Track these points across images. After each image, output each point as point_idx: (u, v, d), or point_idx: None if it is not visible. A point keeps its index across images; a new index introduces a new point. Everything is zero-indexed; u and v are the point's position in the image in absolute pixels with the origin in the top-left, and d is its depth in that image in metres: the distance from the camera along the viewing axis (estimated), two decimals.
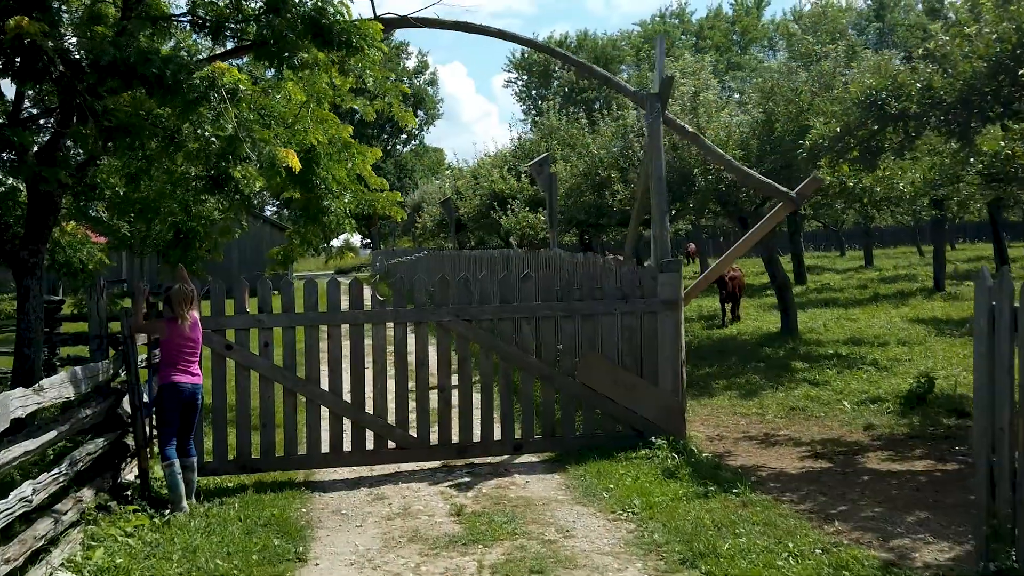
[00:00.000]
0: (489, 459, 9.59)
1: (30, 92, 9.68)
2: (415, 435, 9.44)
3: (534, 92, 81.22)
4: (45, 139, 9.51)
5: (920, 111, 9.36)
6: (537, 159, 18.15)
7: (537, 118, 48.21)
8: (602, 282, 10.10)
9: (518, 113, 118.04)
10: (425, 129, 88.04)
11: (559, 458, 9.50)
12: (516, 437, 9.70)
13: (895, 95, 9.50)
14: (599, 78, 11.64)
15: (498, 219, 28.29)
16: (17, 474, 7.21)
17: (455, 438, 9.50)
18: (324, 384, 9.28)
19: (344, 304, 9.52)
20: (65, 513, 6.69)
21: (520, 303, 9.68)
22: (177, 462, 7.90)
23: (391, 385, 9.47)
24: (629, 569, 6.48)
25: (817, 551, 6.52)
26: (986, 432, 5.93)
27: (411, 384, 9.57)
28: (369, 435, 9.37)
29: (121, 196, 11.16)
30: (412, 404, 9.54)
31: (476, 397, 9.75)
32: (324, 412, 9.28)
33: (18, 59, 7.90)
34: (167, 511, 7.72)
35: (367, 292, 9.54)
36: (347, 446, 9.36)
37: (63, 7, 9.09)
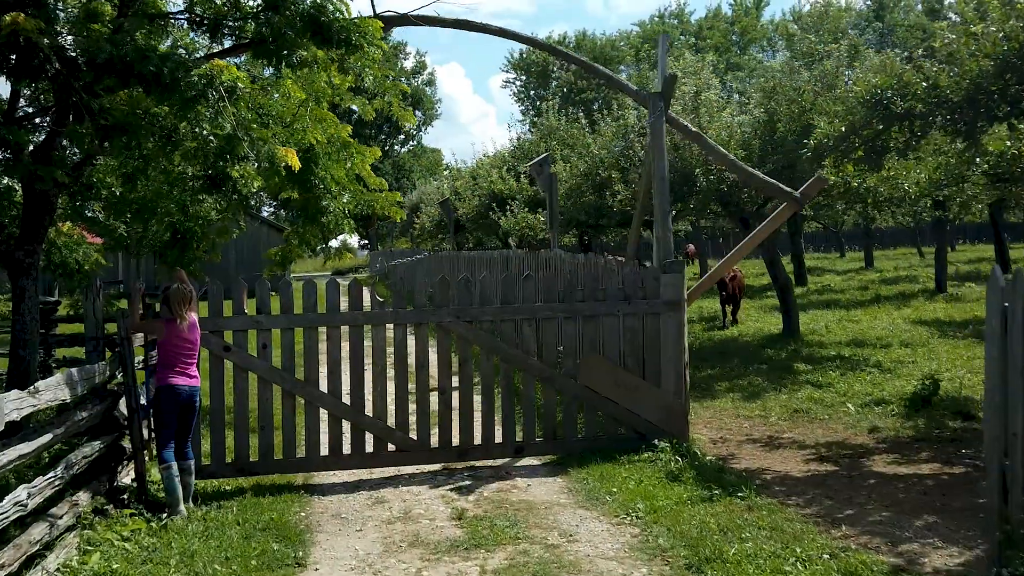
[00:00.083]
0: (490, 462, 9.49)
1: (26, 90, 9.56)
2: (415, 438, 9.33)
3: (532, 92, 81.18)
4: (41, 138, 9.40)
5: (926, 110, 9.27)
6: (537, 159, 18.06)
7: (536, 118, 48.17)
8: (604, 283, 10.00)
9: (516, 114, 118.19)
10: (423, 130, 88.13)
11: (561, 461, 9.39)
12: (517, 440, 9.59)
13: (901, 94, 9.41)
14: (602, 77, 11.54)
15: (497, 220, 28.18)
16: (12, 477, 7.13)
17: (456, 441, 9.40)
18: (323, 386, 9.18)
19: (343, 305, 9.42)
20: (61, 517, 6.59)
21: (521, 304, 9.58)
22: (174, 465, 7.79)
23: (391, 387, 9.37)
24: (634, 575, 6.38)
25: (825, 556, 6.41)
26: (998, 436, 5.83)
27: (411, 386, 9.46)
28: (369, 438, 9.26)
29: (118, 196, 11.06)
30: (412, 406, 9.44)
31: (477, 399, 9.64)
32: (323, 414, 9.18)
33: (13, 56, 7.79)
34: (164, 515, 7.62)
35: (366, 293, 9.45)
36: (346, 449, 9.26)
37: (59, 4, 8.99)
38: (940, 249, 24.89)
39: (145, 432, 8.35)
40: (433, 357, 9.72)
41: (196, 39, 10.02)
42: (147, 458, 8.36)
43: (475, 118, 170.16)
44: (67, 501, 6.87)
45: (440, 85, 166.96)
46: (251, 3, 8.90)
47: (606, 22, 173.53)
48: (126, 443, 8.23)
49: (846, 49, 15.94)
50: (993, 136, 9.84)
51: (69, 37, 8.57)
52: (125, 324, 8.18)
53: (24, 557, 5.87)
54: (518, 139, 38.64)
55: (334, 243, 15.98)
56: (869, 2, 62.47)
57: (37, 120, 10.01)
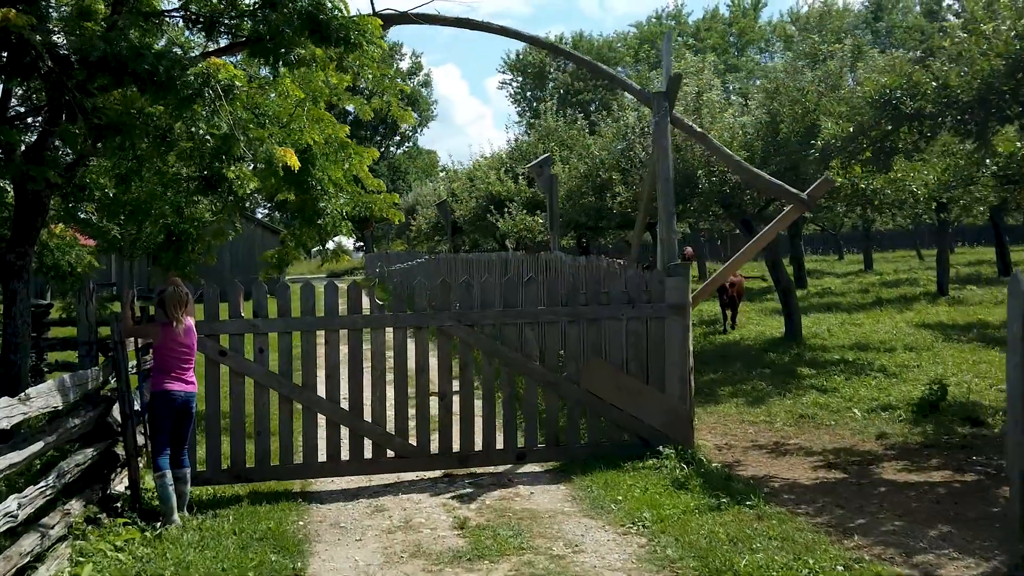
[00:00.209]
0: (491, 468, 9.30)
1: (17, 89, 9.40)
2: (415, 443, 9.15)
3: (529, 94, 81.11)
4: (33, 138, 9.24)
5: (936, 110, 9.10)
6: (537, 160, 17.89)
7: (533, 120, 48.04)
8: (607, 286, 9.83)
9: (512, 115, 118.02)
10: (419, 131, 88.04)
11: (564, 468, 9.21)
12: (519, 446, 9.41)
13: (910, 94, 9.24)
14: (606, 76, 11.38)
15: (495, 222, 27.99)
16: (3, 487, 6.92)
17: (456, 447, 9.21)
18: (321, 391, 8.99)
19: (342, 308, 9.24)
20: (52, 527, 6.40)
21: (524, 308, 9.40)
22: (169, 473, 7.60)
23: (390, 392, 9.19)
24: None
25: (839, 568, 6.24)
26: (1020, 444, 5.65)
27: (411, 391, 9.27)
28: (367, 443, 9.06)
29: (111, 197, 10.91)
30: (412, 411, 9.25)
31: (478, 404, 9.46)
32: (321, 420, 9.00)
33: (4, 54, 7.63)
34: (159, 524, 7.43)
35: (365, 296, 9.27)
36: (345, 455, 9.08)
37: (51, 1, 8.81)
38: (942, 252, 24.69)
39: (139, 439, 8.16)
40: (433, 361, 9.53)
41: (192, 37, 9.88)
42: (141, 465, 8.17)
43: (471, 119, 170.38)
44: (59, 511, 6.68)
45: (436, 86, 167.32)
46: (248, 1, 8.72)
47: (602, 23, 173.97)
48: (119, 450, 8.03)
49: (850, 49, 15.77)
50: (1002, 137, 9.66)
51: (62, 35, 8.39)
52: (119, 328, 7.99)
53: (14, 569, 5.69)
54: (516, 140, 38.46)
55: (330, 245, 15.78)
56: (866, 3, 62.43)
57: (29, 119, 9.86)
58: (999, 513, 7.45)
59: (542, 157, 18.31)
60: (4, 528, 5.48)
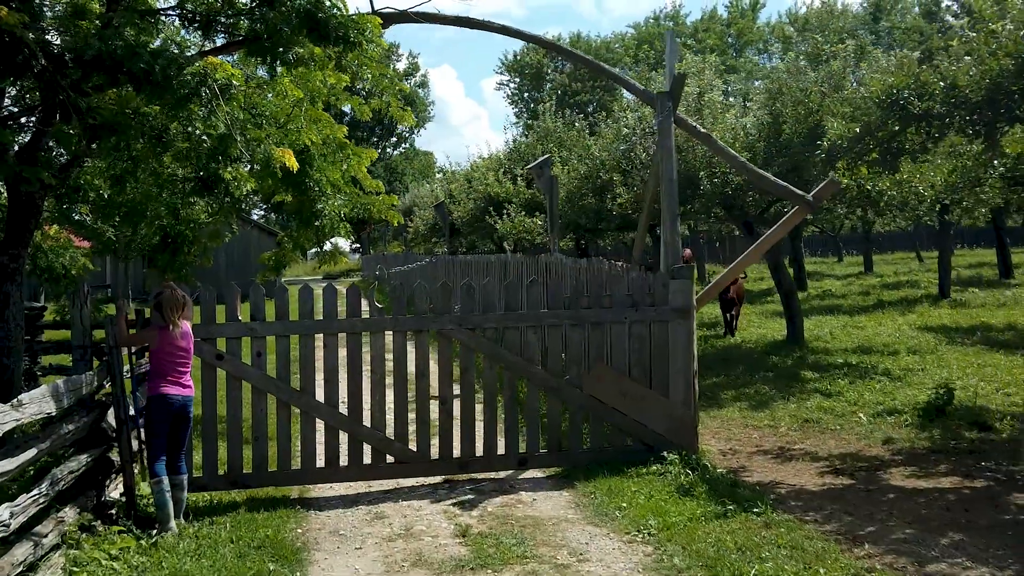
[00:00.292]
0: (493, 474, 9.16)
1: (11, 89, 9.24)
2: (415, 449, 9.00)
3: (526, 95, 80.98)
4: (26, 138, 9.08)
5: (944, 111, 8.97)
6: (538, 161, 17.76)
7: (530, 121, 47.91)
8: (610, 289, 9.68)
9: (510, 116, 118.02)
10: (416, 132, 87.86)
11: (566, 474, 9.07)
12: (521, 451, 9.26)
13: (918, 94, 9.11)
14: (609, 76, 11.25)
15: (493, 224, 27.83)
16: None
17: (457, 452, 9.06)
18: (319, 395, 8.84)
19: (341, 311, 9.10)
20: (45, 536, 6.26)
21: (526, 311, 9.25)
22: (166, 479, 7.45)
23: (390, 396, 9.04)
24: None
25: None
26: None
27: (411, 395, 9.13)
28: (367, 449, 8.92)
29: (106, 198, 10.76)
30: (412, 416, 9.10)
31: (479, 409, 9.31)
32: (319, 425, 8.85)
33: None
34: (154, 531, 7.28)
35: (364, 299, 9.13)
36: (343, 460, 8.94)
37: (45, 1, 8.67)
38: (943, 254, 24.51)
39: (135, 444, 8.01)
40: (434, 365, 9.39)
41: (188, 36, 9.74)
42: (136, 471, 8.03)
43: (467, 120, 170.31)
44: (52, 518, 6.54)
45: (432, 87, 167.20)
46: None
47: (599, 24, 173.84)
48: (114, 456, 7.88)
49: (853, 49, 15.63)
50: (1010, 138, 9.53)
51: (55, 33, 8.26)
52: (114, 331, 7.85)
53: None
54: (514, 141, 38.31)
55: (326, 246, 15.65)
56: (865, 4, 62.37)
57: (23, 119, 9.68)
58: (1011, 520, 7.33)
59: (542, 158, 18.18)
60: None
